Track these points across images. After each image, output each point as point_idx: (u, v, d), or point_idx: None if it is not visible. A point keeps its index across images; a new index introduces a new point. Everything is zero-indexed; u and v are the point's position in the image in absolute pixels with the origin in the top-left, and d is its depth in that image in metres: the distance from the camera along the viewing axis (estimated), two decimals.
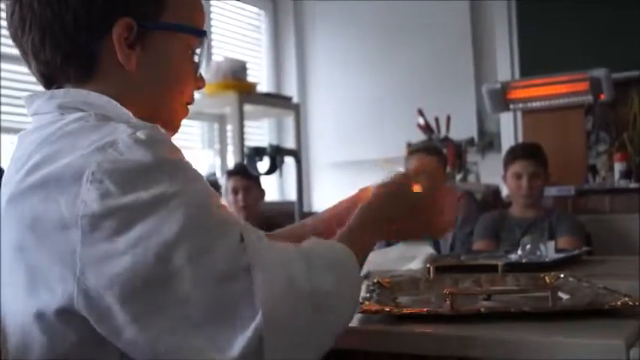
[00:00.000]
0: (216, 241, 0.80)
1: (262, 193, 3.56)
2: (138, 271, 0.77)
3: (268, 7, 5.27)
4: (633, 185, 3.57)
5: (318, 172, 5.16)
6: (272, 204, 4.19)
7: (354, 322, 1.07)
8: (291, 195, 4.20)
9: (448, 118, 4.26)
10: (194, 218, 0.80)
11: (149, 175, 0.80)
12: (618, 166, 3.73)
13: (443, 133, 4.29)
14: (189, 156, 0.87)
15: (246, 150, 3.57)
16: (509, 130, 4.49)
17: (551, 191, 3.41)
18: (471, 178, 4.23)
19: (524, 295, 1.23)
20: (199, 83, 1.05)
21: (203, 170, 4.27)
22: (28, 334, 0.84)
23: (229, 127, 4.42)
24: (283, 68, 5.30)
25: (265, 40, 5.26)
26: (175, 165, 0.84)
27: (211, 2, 4.61)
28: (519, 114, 4.19)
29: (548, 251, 1.93)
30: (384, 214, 1.06)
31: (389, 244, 2.14)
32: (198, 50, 1.01)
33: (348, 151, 4.91)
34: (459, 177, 4.11)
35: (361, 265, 0.97)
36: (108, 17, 0.91)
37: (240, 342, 0.77)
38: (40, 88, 0.99)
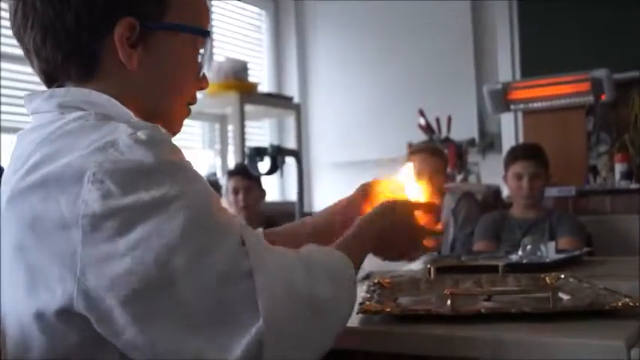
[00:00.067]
0: (217, 244, 0.81)
1: (263, 193, 3.56)
2: (138, 272, 0.77)
3: (269, 7, 5.27)
4: (634, 186, 3.57)
5: (318, 172, 5.16)
6: (273, 204, 4.19)
7: (355, 323, 1.08)
8: (292, 195, 4.21)
9: (449, 119, 4.26)
10: (195, 221, 0.80)
11: (150, 176, 0.80)
12: (619, 167, 3.73)
13: (444, 133, 4.29)
14: (189, 156, 0.87)
15: (246, 150, 3.56)
16: (510, 130, 4.49)
17: (551, 192, 3.41)
18: (472, 178, 4.23)
19: (524, 295, 1.23)
20: (202, 84, 1.04)
21: (204, 170, 4.27)
22: (27, 334, 0.84)
23: (230, 127, 4.42)
24: (284, 68, 5.30)
25: (266, 41, 5.26)
26: (176, 166, 0.84)
27: (212, 2, 4.61)
28: (520, 114, 4.19)
29: (549, 252, 1.94)
30: (379, 230, 1.10)
31: None
32: (201, 50, 1.01)
33: (349, 151, 4.91)
34: (459, 177, 4.11)
35: (357, 268, 1.00)
36: (110, 17, 0.91)
37: (241, 344, 0.78)
38: (41, 87, 0.99)
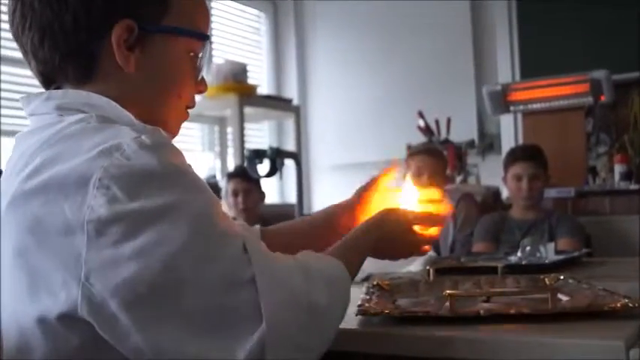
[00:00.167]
0: (221, 251, 0.82)
1: (262, 195, 3.56)
2: (143, 278, 0.77)
3: (268, 9, 5.28)
4: (633, 187, 3.56)
5: (318, 174, 5.16)
6: (272, 206, 4.19)
7: (354, 324, 1.08)
8: (291, 197, 4.21)
9: (448, 120, 4.26)
10: (199, 228, 0.81)
11: (155, 182, 0.81)
12: (618, 168, 3.73)
13: (443, 135, 4.29)
14: (189, 159, 0.87)
15: (246, 152, 3.56)
16: (509, 131, 4.49)
17: (551, 193, 3.41)
18: (472, 180, 4.23)
19: (523, 296, 1.23)
20: (201, 87, 1.04)
21: (203, 173, 4.27)
22: (29, 338, 0.84)
23: (229, 130, 4.42)
24: (283, 70, 5.30)
25: (265, 43, 5.27)
26: (180, 171, 0.84)
27: (212, 4, 4.62)
28: (520, 115, 4.19)
29: (548, 253, 1.94)
30: (375, 240, 1.11)
31: None
32: (200, 54, 1.00)
33: (348, 153, 4.91)
34: (459, 179, 4.11)
35: (353, 277, 1.02)
36: (108, 18, 0.91)
37: (244, 349, 0.79)
38: (41, 89, 0.98)
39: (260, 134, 5.12)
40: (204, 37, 1.00)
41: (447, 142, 4.21)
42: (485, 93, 3.92)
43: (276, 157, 3.22)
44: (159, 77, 0.96)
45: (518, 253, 1.93)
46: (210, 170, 4.45)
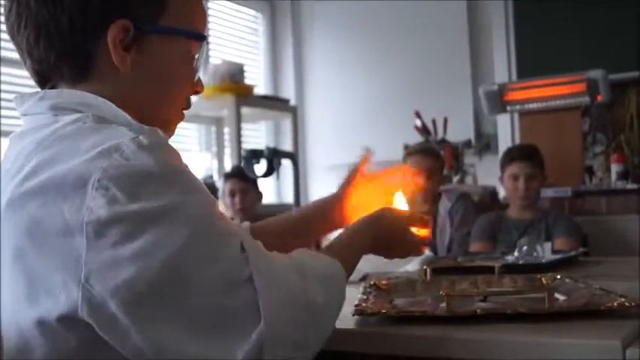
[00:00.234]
0: (220, 252, 0.82)
1: (259, 195, 3.56)
2: (143, 279, 0.77)
3: (265, 9, 5.28)
4: (630, 186, 3.57)
5: (315, 174, 5.15)
6: (269, 206, 4.19)
7: (351, 324, 1.08)
8: (288, 197, 4.20)
9: (445, 120, 4.26)
10: (197, 229, 0.81)
11: (154, 183, 0.81)
12: (615, 167, 3.73)
13: (440, 134, 4.29)
14: (186, 159, 0.87)
15: (243, 152, 3.56)
16: (506, 131, 4.50)
17: (547, 192, 3.42)
18: (468, 179, 4.23)
19: (520, 296, 1.23)
20: (197, 88, 1.03)
21: (200, 173, 4.27)
22: (28, 340, 0.84)
23: (226, 130, 4.42)
24: (280, 71, 5.30)
25: (263, 43, 5.26)
26: (179, 172, 0.84)
27: (208, 5, 4.61)
28: (516, 115, 4.19)
29: (545, 252, 1.94)
30: (371, 239, 1.12)
31: None
32: (197, 55, 1.00)
33: (345, 153, 4.89)
34: (456, 179, 4.12)
35: (349, 275, 1.02)
36: (104, 19, 0.90)
37: (242, 348, 0.79)
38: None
39: (257, 134, 5.12)
40: (200, 38, 1.00)
41: (443, 141, 4.22)
42: (481, 93, 3.92)
43: (273, 157, 3.22)
44: (155, 78, 0.96)
45: (515, 253, 1.94)
46: (207, 170, 4.45)
